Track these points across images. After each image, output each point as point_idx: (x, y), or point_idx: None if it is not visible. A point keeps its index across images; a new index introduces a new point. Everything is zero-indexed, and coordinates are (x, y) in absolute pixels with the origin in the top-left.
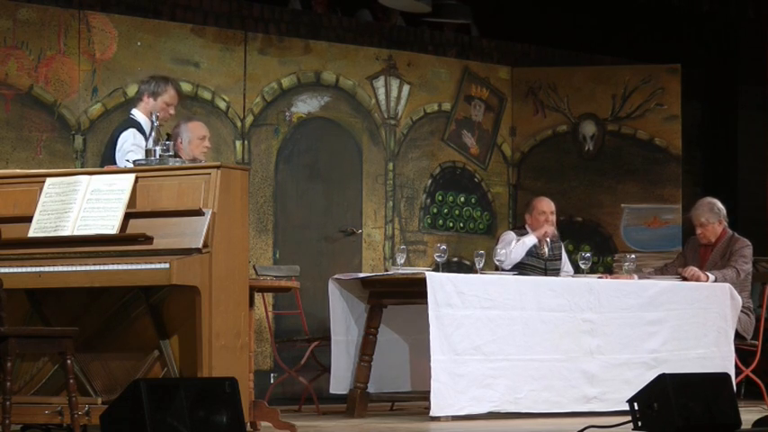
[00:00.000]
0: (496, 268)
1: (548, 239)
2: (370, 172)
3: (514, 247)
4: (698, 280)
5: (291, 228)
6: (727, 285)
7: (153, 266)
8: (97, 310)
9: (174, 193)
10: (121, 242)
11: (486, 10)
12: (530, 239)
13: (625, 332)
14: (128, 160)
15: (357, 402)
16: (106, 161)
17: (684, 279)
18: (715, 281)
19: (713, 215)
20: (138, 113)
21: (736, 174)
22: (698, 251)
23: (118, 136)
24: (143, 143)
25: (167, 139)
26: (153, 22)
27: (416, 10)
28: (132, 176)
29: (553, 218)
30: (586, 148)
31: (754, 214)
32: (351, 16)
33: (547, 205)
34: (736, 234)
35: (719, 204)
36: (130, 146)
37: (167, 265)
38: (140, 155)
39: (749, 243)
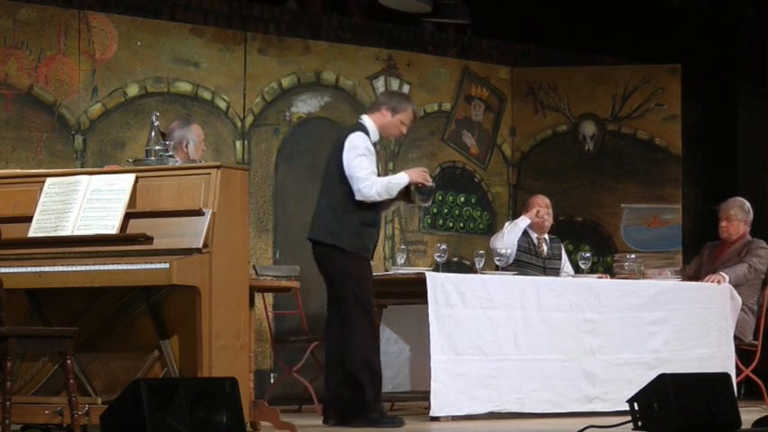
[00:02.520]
0: (497, 268)
1: (546, 237)
2: None
3: (507, 230)
4: (717, 283)
5: (291, 228)
6: (728, 285)
7: (153, 266)
8: (97, 310)
9: (174, 193)
10: (121, 242)
11: (486, 10)
12: (522, 221)
13: (626, 332)
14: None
15: None
16: (332, 161)
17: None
18: (729, 279)
19: (742, 212)
20: (367, 120)
21: (736, 174)
22: (714, 253)
23: (345, 137)
24: (372, 148)
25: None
26: (153, 22)
27: (416, 10)
28: (132, 176)
29: (549, 211)
30: (586, 148)
31: (755, 214)
32: (345, 15)
33: (541, 200)
34: (755, 238)
35: (749, 206)
36: (364, 149)
37: (167, 265)
38: (371, 160)
39: (766, 246)
